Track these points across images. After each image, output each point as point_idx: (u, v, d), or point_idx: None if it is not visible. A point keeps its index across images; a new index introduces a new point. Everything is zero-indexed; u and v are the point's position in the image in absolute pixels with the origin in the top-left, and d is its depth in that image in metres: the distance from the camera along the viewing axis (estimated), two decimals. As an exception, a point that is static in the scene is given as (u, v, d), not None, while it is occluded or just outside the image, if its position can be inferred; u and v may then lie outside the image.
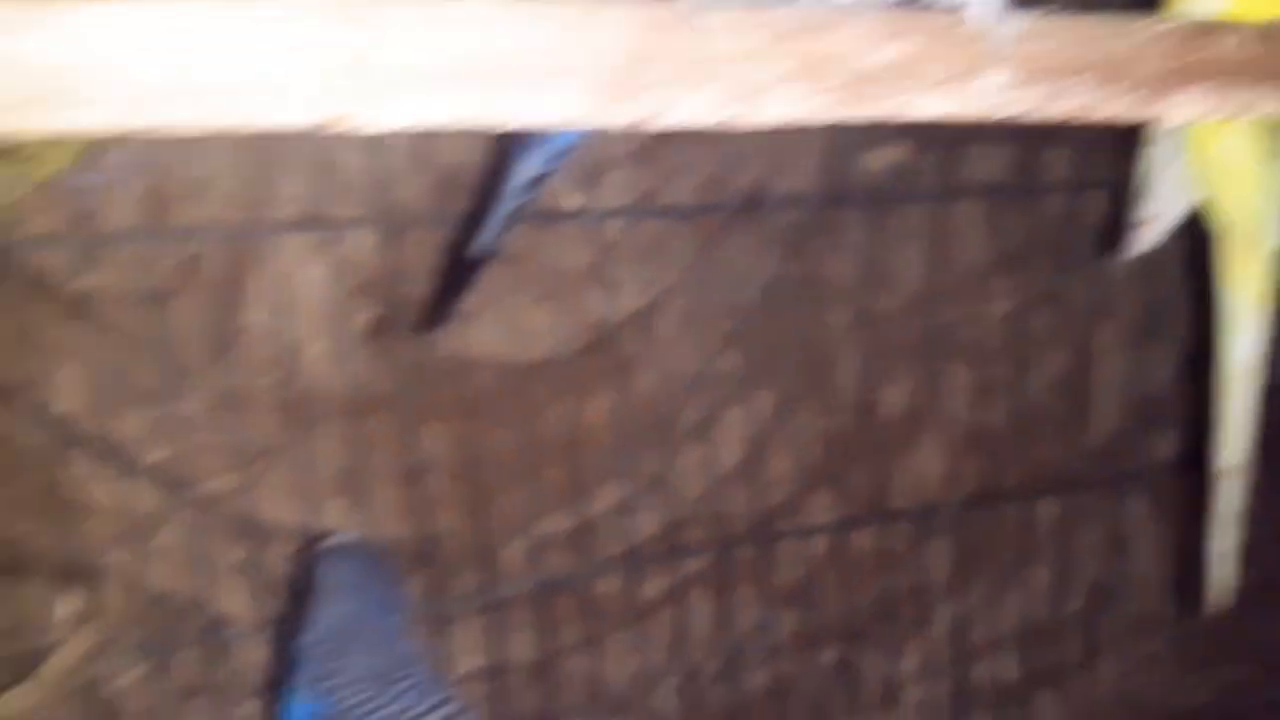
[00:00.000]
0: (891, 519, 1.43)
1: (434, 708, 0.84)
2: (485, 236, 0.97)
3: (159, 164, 1.04)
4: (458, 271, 1.05)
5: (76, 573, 1.06)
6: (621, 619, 1.30)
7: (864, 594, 1.43)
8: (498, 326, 1.18)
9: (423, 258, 1.13)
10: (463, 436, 1.18)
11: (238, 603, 1.13)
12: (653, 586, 1.31)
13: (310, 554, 0.95)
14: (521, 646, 1.24)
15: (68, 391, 1.04)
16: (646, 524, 1.29)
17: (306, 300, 1.10)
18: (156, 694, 1.11)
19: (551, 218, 1.18)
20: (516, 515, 1.22)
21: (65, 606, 1.05)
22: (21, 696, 0.95)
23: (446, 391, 1.17)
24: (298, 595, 0.96)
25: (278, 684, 1.03)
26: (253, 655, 1.14)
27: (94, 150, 1.00)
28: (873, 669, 1.46)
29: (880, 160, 1.35)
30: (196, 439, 1.09)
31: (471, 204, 1.14)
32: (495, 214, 0.95)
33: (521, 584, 1.24)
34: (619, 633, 1.30)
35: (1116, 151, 0.75)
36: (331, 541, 0.93)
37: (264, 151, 1.07)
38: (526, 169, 0.91)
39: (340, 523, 1.14)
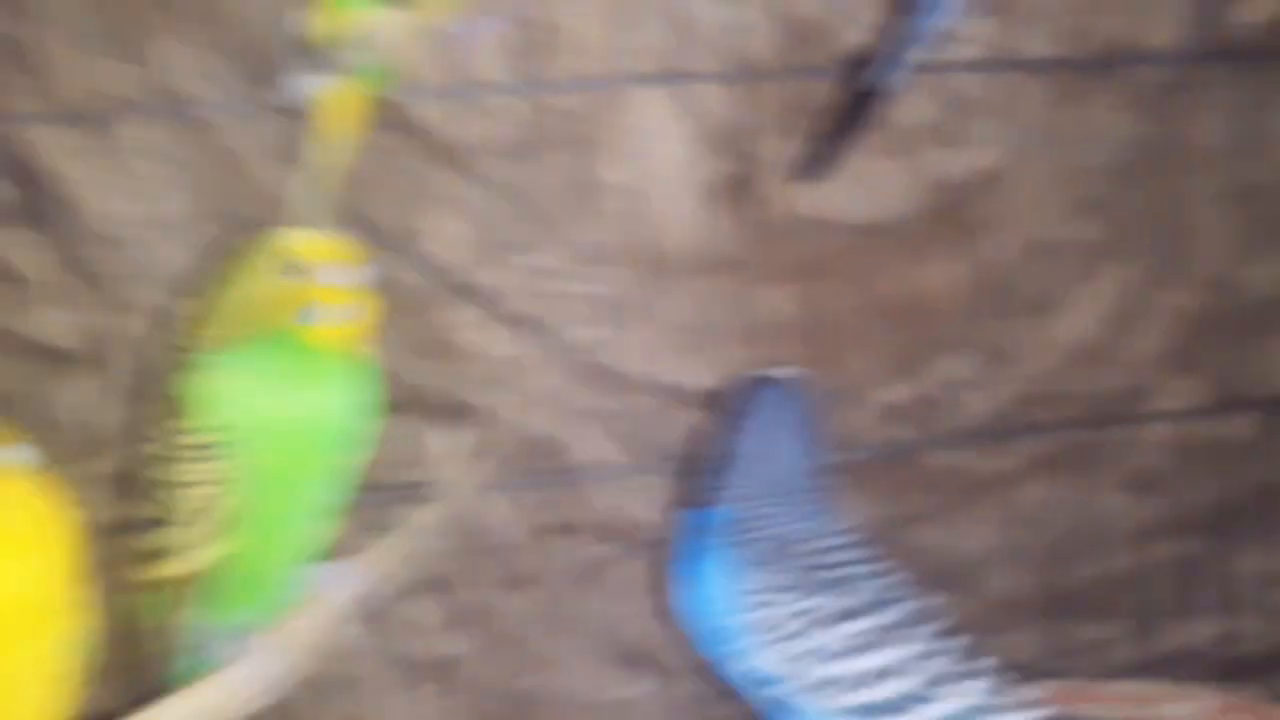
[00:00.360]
0: (1244, 408, 1.32)
1: (835, 534, 0.85)
2: (884, 74, 0.94)
3: (524, 15, 1.06)
4: (855, 111, 1.03)
5: (454, 411, 1.13)
6: (957, 494, 1.26)
7: (1208, 487, 1.33)
8: (843, 185, 1.15)
9: (776, 113, 1.11)
10: (807, 297, 1.17)
11: (594, 448, 1.18)
12: (989, 463, 1.26)
13: (747, 382, 1.00)
14: (862, 512, 1.23)
15: (446, 240, 1.09)
16: (987, 398, 1.24)
17: (662, 155, 1.11)
18: (519, 529, 1.18)
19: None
20: (857, 380, 1.21)
21: (444, 441, 1.12)
22: (423, 515, 1.03)
23: (791, 251, 1.16)
24: (734, 416, 0.99)
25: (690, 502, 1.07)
26: (605, 498, 1.19)
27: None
28: (1211, 567, 1.36)
29: (1257, 11, 1.21)
30: (559, 290, 1.12)
31: (826, 56, 1.11)
32: (897, 52, 0.91)
33: (854, 451, 1.22)
34: (953, 508, 1.26)
35: None
36: (768, 373, 0.98)
37: (624, 4, 1.07)
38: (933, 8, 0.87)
39: (687, 378, 1.16)
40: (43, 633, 0.63)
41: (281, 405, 0.78)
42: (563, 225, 1.11)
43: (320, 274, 0.77)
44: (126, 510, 0.89)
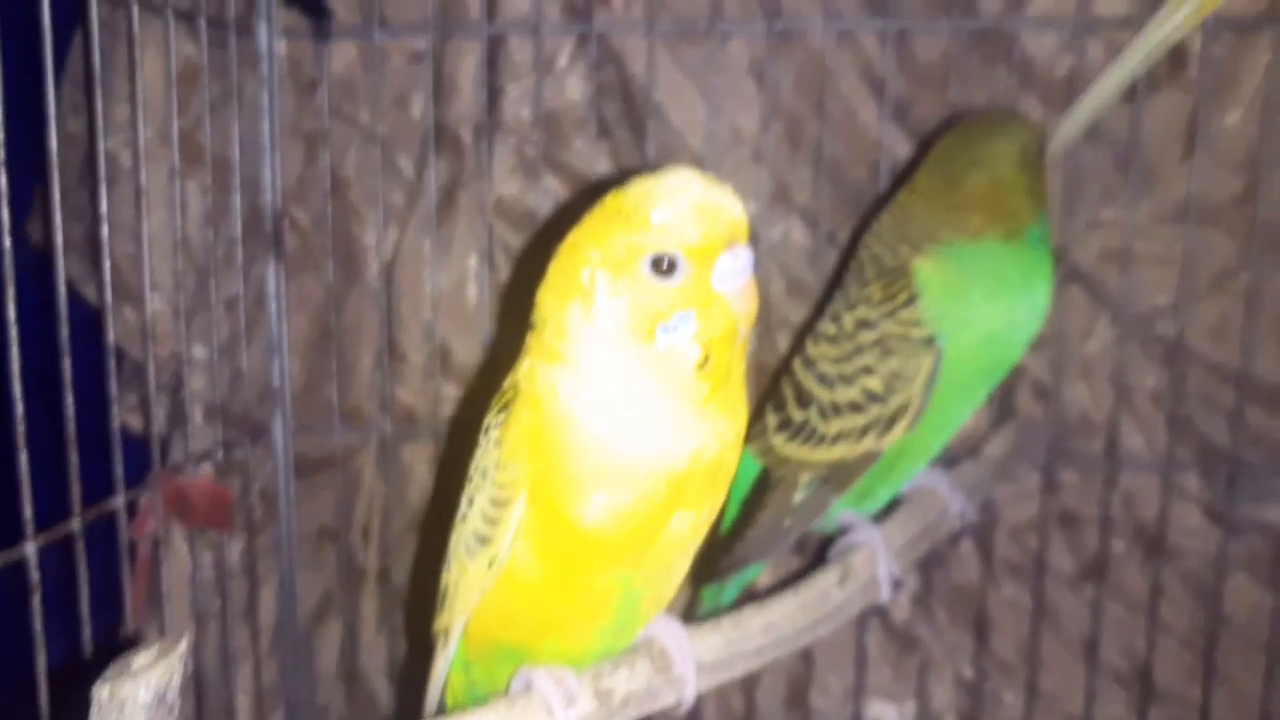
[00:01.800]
0: None
1: None
2: None
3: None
4: None
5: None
6: None
7: None
8: None
9: None
10: None
11: (1141, 435, 1.06)
12: None
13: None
14: None
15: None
16: None
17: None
18: (1028, 510, 1.08)
19: None
20: None
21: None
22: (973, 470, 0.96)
23: None
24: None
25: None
26: (1146, 500, 1.07)
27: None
28: None
29: None
30: (1144, 253, 1.02)
31: None
32: None
33: None
34: None
35: None
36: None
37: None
38: None
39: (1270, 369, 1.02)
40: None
41: (993, 301, 0.76)
42: (1166, 179, 1.01)
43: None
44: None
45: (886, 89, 1.01)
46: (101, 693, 0.50)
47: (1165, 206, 1.02)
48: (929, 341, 0.76)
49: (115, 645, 1.03)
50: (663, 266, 0.53)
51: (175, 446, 1.07)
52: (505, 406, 0.60)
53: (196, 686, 1.10)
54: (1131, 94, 0.97)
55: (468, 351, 1.14)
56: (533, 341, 0.58)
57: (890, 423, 0.78)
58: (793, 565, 1.11)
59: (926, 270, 0.77)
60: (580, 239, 0.56)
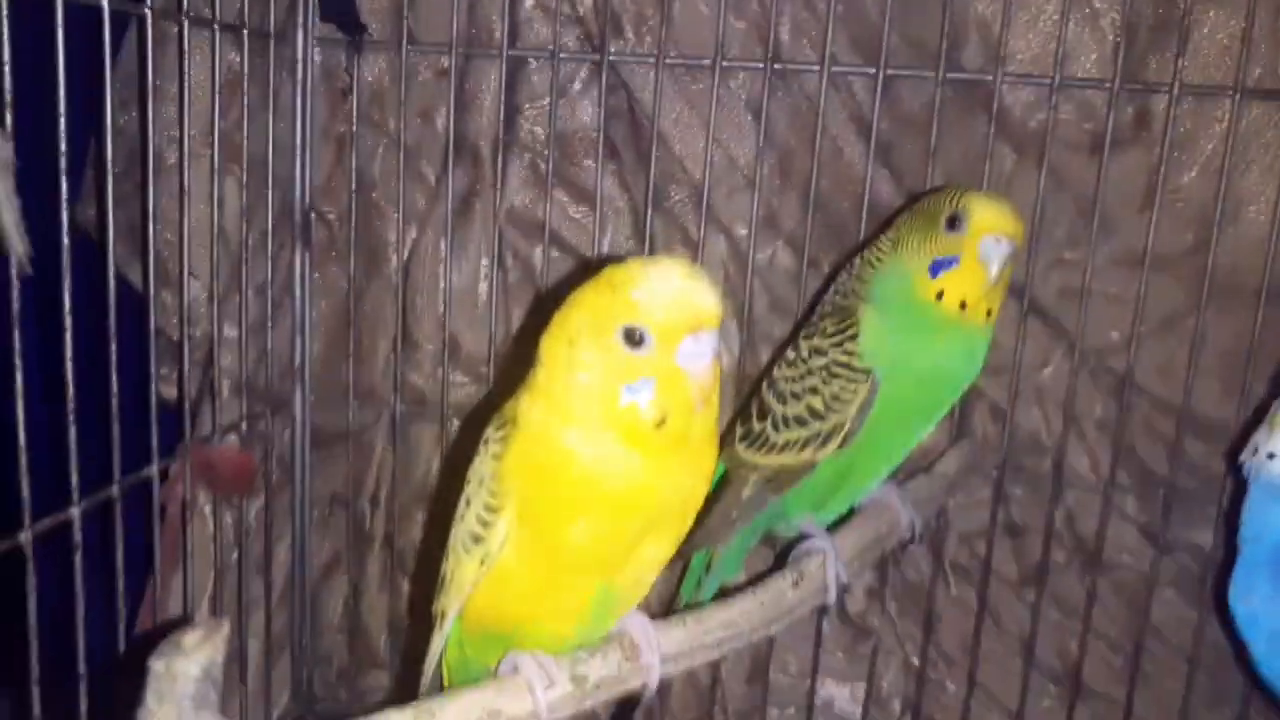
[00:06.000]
0: None
1: None
2: None
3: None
4: None
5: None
6: None
7: None
8: None
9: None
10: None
11: (1087, 458, 1.16)
12: None
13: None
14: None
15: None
16: None
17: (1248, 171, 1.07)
18: (979, 519, 1.18)
19: None
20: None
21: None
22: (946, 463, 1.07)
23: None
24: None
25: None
26: (1086, 516, 1.17)
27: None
28: None
29: None
30: (1100, 292, 1.11)
31: None
32: None
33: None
34: None
35: None
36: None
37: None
38: None
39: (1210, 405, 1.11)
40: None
41: (921, 351, 0.86)
42: (1122, 228, 1.09)
43: (982, 242, 0.82)
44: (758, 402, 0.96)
45: (873, 131, 1.09)
46: (157, 665, 0.60)
47: (1122, 252, 1.10)
48: (866, 373, 0.87)
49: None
50: (634, 338, 0.63)
51: (204, 417, 1.17)
52: (503, 427, 0.70)
53: (214, 632, 1.22)
54: (1098, 148, 1.06)
55: (475, 343, 1.24)
56: (531, 379, 0.68)
57: (827, 438, 0.89)
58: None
59: (869, 313, 0.88)
60: (575, 301, 0.66)
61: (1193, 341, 1.09)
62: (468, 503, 0.72)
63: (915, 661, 1.25)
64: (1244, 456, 0.84)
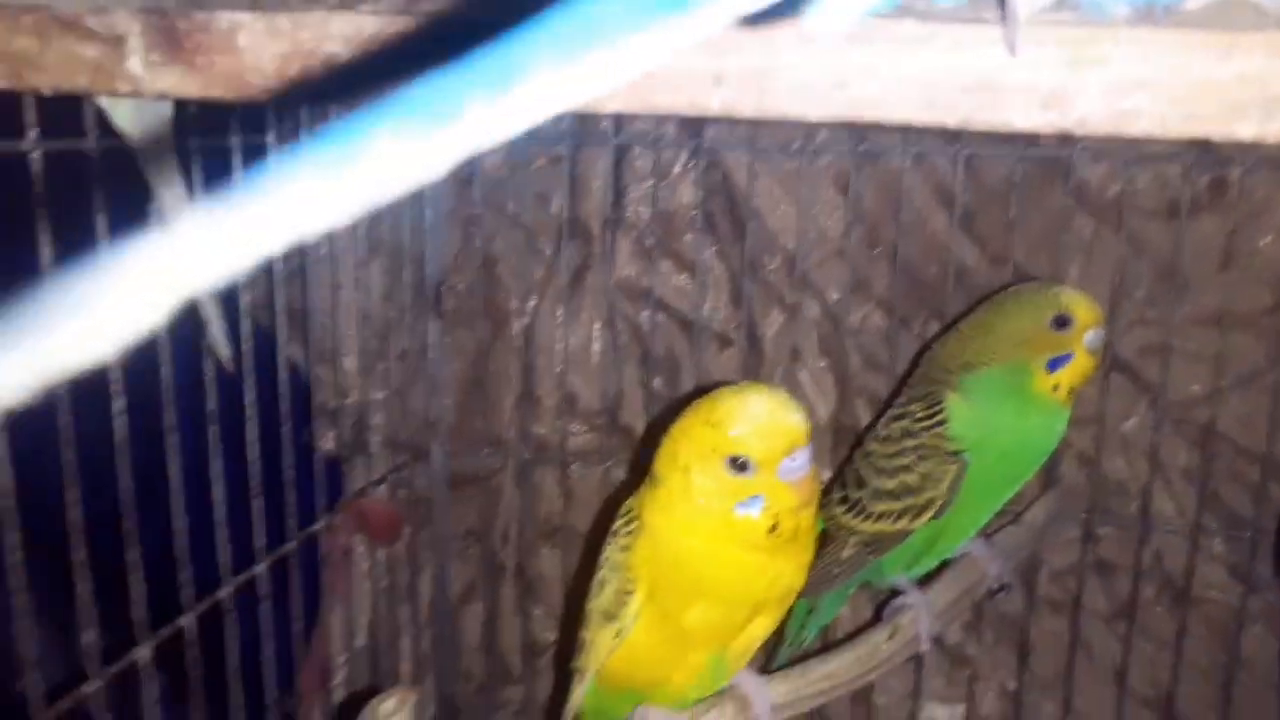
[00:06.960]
0: None
1: None
2: None
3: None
4: None
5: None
6: None
7: None
8: None
9: None
10: None
11: (1173, 503, 1.21)
12: None
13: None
14: None
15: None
16: None
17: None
18: (1069, 557, 1.25)
19: None
20: None
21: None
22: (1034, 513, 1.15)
23: None
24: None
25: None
26: (1174, 556, 1.23)
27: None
28: None
29: None
30: (1180, 349, 1.16)
31: None
32: None
33: None
34: None
35: None
36: None
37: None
38: None
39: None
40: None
41: (1011, 431, 0.95)
42: (1199, 286, 1.15)
43: (1087, 336, 0.92)
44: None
45: (955, 203, 1.17)
46: (361, 732, 0.74)
47: (1201, 311, 1.16)
48: (956, 454, 0.96)
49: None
50: (739, 464, 0.74)
51: (358, 469, 1.33)
52: (630, 522, 0.82)
53: (372, 654, 1.39)
54: (1174, 214, 1.12)
55: (590, 397, 1.37)
56: (651, 489, 0.80)
57: (921, 511, 0.98)
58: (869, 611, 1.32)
59: (954, 400, 0.97)
60: (680, 433, 0.77)
61: (1273, 394, 1.14)
62: (601, 585, 0.85)
63: (1012, 685, 1.34)
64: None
